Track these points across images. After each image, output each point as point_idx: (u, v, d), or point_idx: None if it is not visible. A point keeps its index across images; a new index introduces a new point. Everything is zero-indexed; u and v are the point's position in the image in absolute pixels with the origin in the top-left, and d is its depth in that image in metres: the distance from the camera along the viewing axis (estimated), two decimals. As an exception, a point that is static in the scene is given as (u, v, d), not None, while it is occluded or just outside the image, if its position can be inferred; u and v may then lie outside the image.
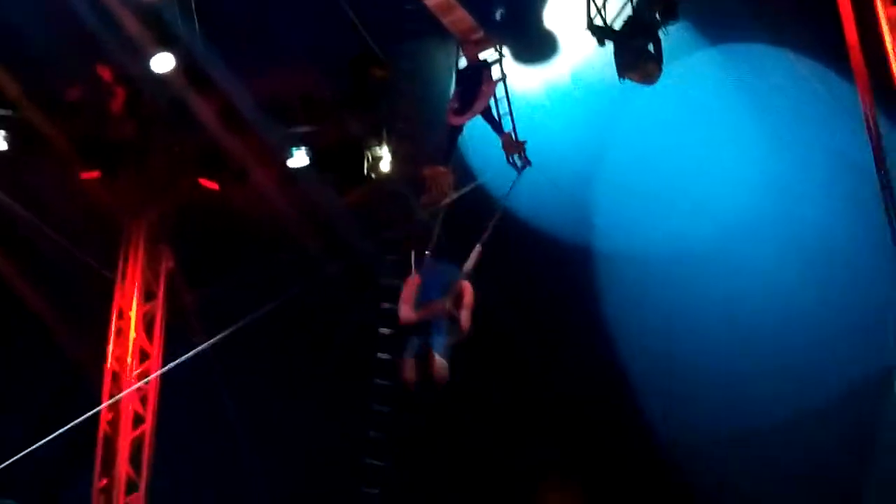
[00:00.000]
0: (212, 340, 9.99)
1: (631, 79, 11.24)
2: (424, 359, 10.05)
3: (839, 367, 13.41)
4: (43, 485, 14.50)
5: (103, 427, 13.94)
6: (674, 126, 13.30)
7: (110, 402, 13.49)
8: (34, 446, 8.90)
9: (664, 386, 13.71)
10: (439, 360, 9.98)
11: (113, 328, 14.42)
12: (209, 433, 14.63)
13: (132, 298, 14.50)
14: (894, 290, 11.93)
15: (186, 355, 9.85)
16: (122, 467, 13.81)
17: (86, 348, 14.62)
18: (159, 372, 13.59)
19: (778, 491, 13.52)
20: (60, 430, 9.03)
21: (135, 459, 13.94)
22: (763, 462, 13.61)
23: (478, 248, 10.99)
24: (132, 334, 14.34)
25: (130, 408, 14.03)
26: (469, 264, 10.85)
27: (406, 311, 10.53)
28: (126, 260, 14.67)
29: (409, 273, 10.95)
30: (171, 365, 10.63)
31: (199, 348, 9.94)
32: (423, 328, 10.30)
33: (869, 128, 9.68)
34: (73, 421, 11.09)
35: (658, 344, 13.54)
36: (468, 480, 14.62)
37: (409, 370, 10.17)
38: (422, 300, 10.53)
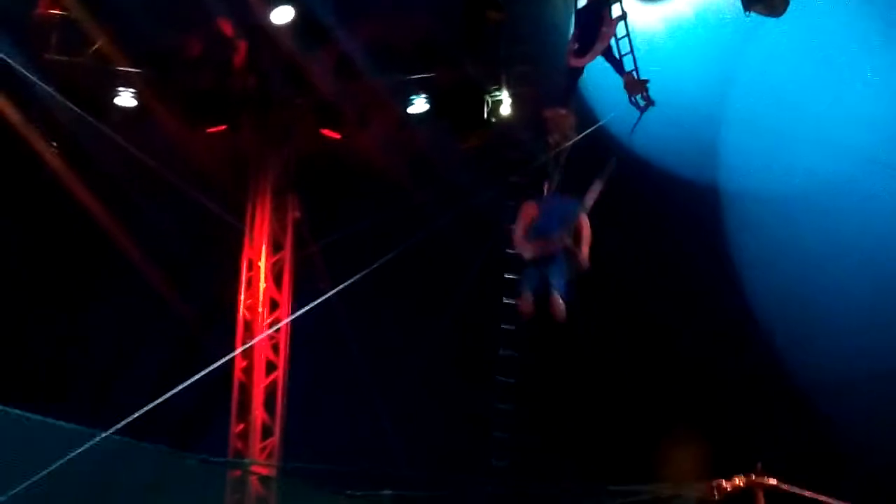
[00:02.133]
0: (340, 286, 10.12)
1: (757, 12, 10.95)
2: (543, 295, 9.91)
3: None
4: (184, 431, 14.98)
5: (238, 374, 14.31)
6: (802, 60, 12.93)
7: (244, 347, 13.78)
8: (174, 390, 9.17)
9: (797, 328, 13.48)
10: (557, 300, 9.86)
11: (244, 278, 14.73)
12: (338, 379, 14.93)
13: (261, 249, 14.79)
14: None
15: (316, 301, 10.00)
16: (258, 413, 14.17)
17: (219, 299, 15.02)
18: (290, 318, 13.85)
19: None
20: (199, 375, 9.27)
21: (269, 405, 14.30)
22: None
23: (598, 182, 10.73)
24: (262, 284, 14.64)
25: (263, 355, 14.37)
26: (589, 199, 10.59)
27: (519, 241, 10.40)
28: (254, 211, 14.93)
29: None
30: (301, 312, 10.80)
31: (328, 294, 10.07)
32: (541, 261, 10.16)
33: None
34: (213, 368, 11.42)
35: (789, 284, 13.31)
36: (593, 428, 14.64)
37: (527, 304, 10.12)
38: (540, 233, 10.36)
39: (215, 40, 14.29)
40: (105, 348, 15.94)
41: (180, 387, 9.14)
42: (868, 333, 13.15)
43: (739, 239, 13.61)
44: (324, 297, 11.27)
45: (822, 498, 10.54)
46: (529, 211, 10.60)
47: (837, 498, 10.89)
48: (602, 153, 11.72)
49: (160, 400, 9.29)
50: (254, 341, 13.83)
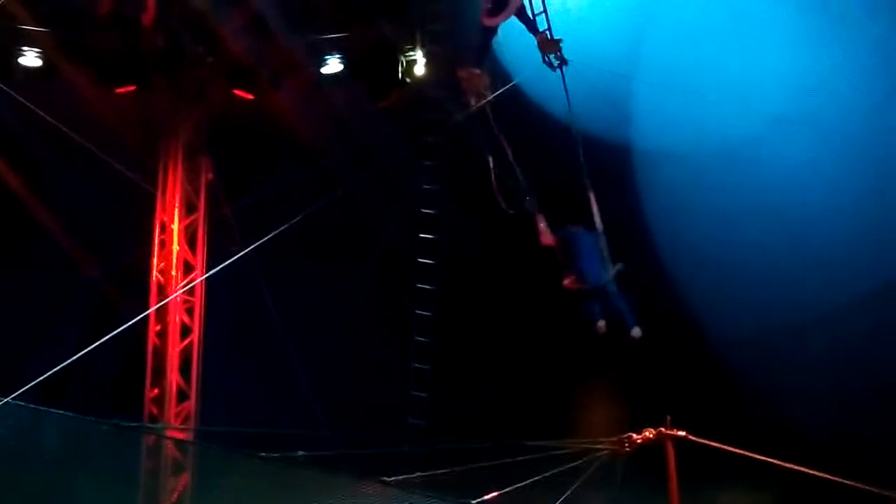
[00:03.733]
0: (253, 246, 10.06)
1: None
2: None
3: (880, 258, 13.35)
4: (99, 398, 14.80)
5: (152, 339, 14.13)
6: (714, 18, 13.06)
7: (155, 308, 13.59)
8: (81, 353, 9.05)
9: (707, 282, 13.69)
10: (636, 332, 11.26)
11: (156, 241, 14.51)
12: (254, 341, 14.85)
13: (174, 211, 14.57)
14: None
15: (229, 261, 9.94)
16: (173, 377, 14.03)
17: (133, 263, 14.80)
18: (203, 277, 13.71)
19: (822, 382, 13.58)
20: (107, 337, 9.16)
21: (184, 369, 14.17)
22: (807, 354, 13.65)
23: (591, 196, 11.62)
24: (175, 247, 14.43)
25: (177, 319, 14.20)
26: (598, 221, 11.63)
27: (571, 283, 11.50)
28: (166, 173, 14.69)
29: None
30: (216, 270, 10.74)
31: (243, 252, 10.03)
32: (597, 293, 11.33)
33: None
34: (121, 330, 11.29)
35: (699, 240, 13.50)
36: (510, 381, 14.78)
37: (604, 329, 11.37)
38: (583, 269, 11.40)
39: (125, -1, 13.95)
40: (17, 315, 15.64)
41: (88, 349, 9.02)
42: (777, 288, 13.43)
43: (651, 196, 13.76)
44: (237, 257, 11.22)
45: (730, 448, 10.77)
46: (559, 247, 11.69)
47: (745, 449, 11.12)
48: (517, 113, 11.79)
49: (66, 363, 9.17)
50: (166, 301, 13.64)
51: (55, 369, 8.99)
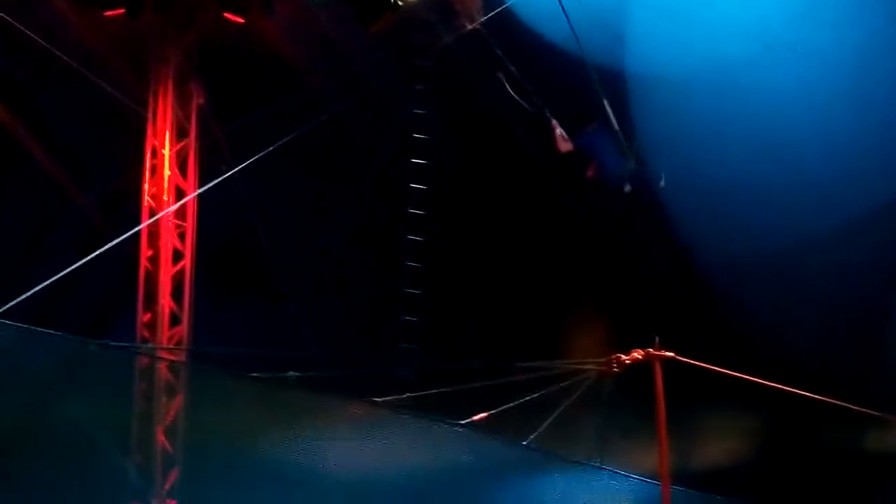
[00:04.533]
0: (244, 164, 10.03)
1: None
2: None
3: (872, 186, 13.33)
4: (92, 318, 14.85)
5: (144, 263, 14.12)
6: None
7: (142, 226, 13.55)
8: (72, 267, 9.06)
9: (698, 207, 13.69)
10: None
11: (147, 166, 14.46)
12: (245, 265, 14.87)
13: (164, 136, 14.49)
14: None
15: (218, 179, 9.92)
16: (165, 301, 14.05)
17: (121, 187, 14.75)
18: (192, 195, 13.66)
19: (811, 307, 13.63)
20: (99, 251, 9.17)
21: (176, 294, 14.19)
22: (795, 278, 13.69)
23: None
24: (167, 172, 14.36)
25: (169, 243, 14.19)
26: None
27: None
28: (156, 98, 14.58)
29: None
30: (205, 188, 10.71)
31: (232, 171, 10.00)
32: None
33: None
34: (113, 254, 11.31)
35: (688, 163, 13.45)
36: (501, 304, 14.82)
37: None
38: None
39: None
40: (6, 241, 15.61)
41: (76, 265, 9.02)
42: (767, 212, 13.43)
43: (641, 119, 13.68)
44: (226, 175, 11.18)
45: (718, 369, 10.85)
46: None
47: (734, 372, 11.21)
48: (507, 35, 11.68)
49: (53, 280, 9.16)
50: (154, 219, 13.59)
51: (41, 286, 8.98)
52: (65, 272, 9.12)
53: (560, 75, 13.23)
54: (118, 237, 12.90)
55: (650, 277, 14.35)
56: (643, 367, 10.83)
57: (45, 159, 14.68)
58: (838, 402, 11.28)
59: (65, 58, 13.81)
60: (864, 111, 13.26)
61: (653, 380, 10.73)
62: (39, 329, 10.09)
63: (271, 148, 10.15)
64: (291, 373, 11.10)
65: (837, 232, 13.20)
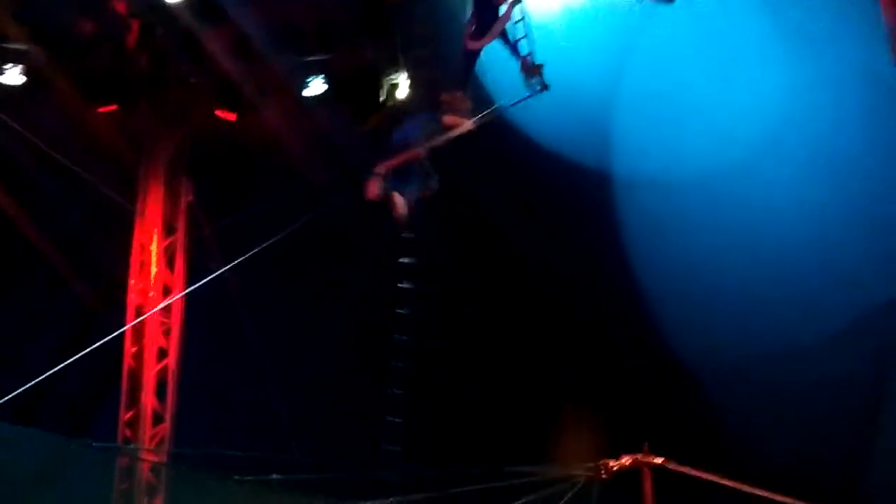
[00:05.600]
0: (232, 263, 10.02)
1: (650, -1, 11.05)
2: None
3: (862, 290, 13.34)
4: (72, 417, 14.68)
5: (128, 361, 14.02)
6: (694, 48, 13.10)
7: (127, 327, 13.49)
8: (58, 367, 8.98)
9: (685, 311, 13.67)
10: (400, 199, 10.63)
11: (135, 262, 14.44)
12: (230, 365, 14.76)
13: (153, 232, 14.50)
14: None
15: (207, 279, 9.89)
16: (148, 400, 13.92)
17: (107, 284, 14.72)
18: (180, 294, 13.63)
19: (799, 414, 13.55)
20: (83, 353, 9.10)
21: (160, 392, 14.05)
22: (783, 385, 13.62)
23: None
24: (153, 268, 14.36)
25: (154, 342, 14.10)
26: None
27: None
28: (146, 194, 14.64)
29: None
30: (193, 288, 10.69)
31: (221, 271, 9.98)
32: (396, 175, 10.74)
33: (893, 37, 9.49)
34: (97, 350, 11.22)
35: (677, 269, 13.49)
36: (487, 406, 14.70)
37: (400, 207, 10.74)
38: (398, 145, 10.86)
39: (108, 19, 13.94)
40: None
41: (58, 367, 8.94)
42: (756, 318, 13.41)
43: (631, 224, 13.76)
44: (214, 275, 11.16)
45: (709, 476, 10.68)
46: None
47: (722, 477, 11.05)
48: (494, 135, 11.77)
49: (37, 381, 9.06)
50: (140, 320, 13.53)
51: (25, 386, 8.89)
52: (49, 372, 9.02)
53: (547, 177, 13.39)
54: (104, 333, 12.86)
55: (641, 382, 14.26)
56: (633, 473, 10.66)
57: (43, 248, 14.72)
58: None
59: (55, 155, 13.91)
60: (855, 210, 13.30)
61: (642, 487, 10.56)
62: (24, 428, 9.97)
63: (259, 248, 10.13)
64: (275, 475, 10.93)
65: (826, 338, 13.17)
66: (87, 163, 14.38)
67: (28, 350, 15.03)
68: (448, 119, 11.34)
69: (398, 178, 10.66)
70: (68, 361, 9.26)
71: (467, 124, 11.49)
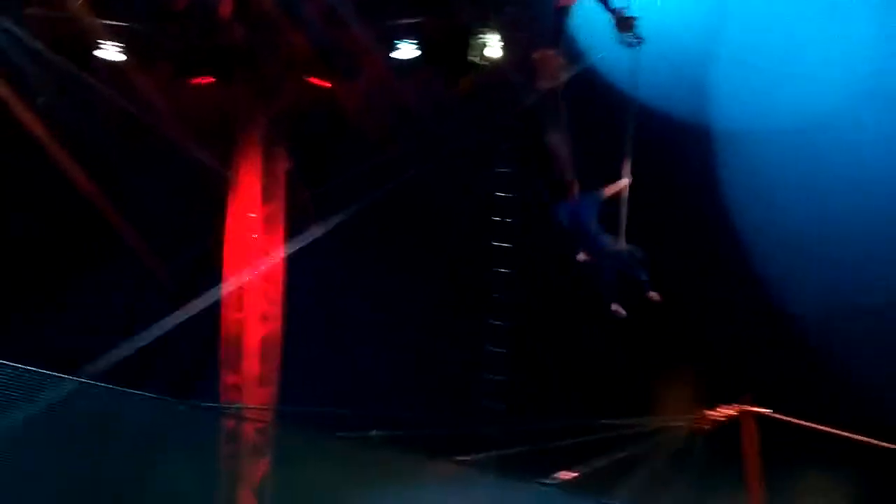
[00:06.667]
0: (330, 225, 10.11)
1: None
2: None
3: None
4: (181, 378, 15.01)
5: (233, 326, 14.26)
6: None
7: (235, 286, 13.67)
8: (157, 333, 9.17)
9: (789, 263, 13.40)
10: (653, 295, 10.86)
11: (231, 231, 14.63)
12: (333, 326, 14.91)
13: (252, 200, 14.69)
14: None
15: (307, 240, 10.00)
16: (252, 364, 14.13)
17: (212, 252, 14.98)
18: (280, 258, 13.78)
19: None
20: (183, 317, 9.27)
21: (264, 356, 14.26)
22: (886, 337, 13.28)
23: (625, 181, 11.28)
24: (255, 236, 14.55)
25: (258, 307, 14.31)
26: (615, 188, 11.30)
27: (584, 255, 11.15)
28: (243, 163, 14.83)
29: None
30: (293, 250, 10.79)
31: (319, 232, 10.07)
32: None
33: None
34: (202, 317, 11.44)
35: (781, 219, 13.22)
36: (584, 365, 14.60)
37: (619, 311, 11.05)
38: (587, 233, 11.05)
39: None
40: (100, 305, 15.91)
41: (161, 331, 9.06)
42: (860, 267, 13.08)
43: (731, 175, 13.52)
44: (312, 238, 11.27)
45: (811, 425, 10.50)
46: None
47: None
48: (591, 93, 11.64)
49: (141, 344, 9.23)
50: (243, 283, 13.70)
51: (131, 349, 9.11)
52: (151, 337, 9.23)
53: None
54: (205, 300, 13.13)
55: (744, 333, 14.02)
56: (736, 423, 10.51)
57: (128, 230, 15.01)
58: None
59: (158, 127, 14.17)
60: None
61: (745, 437, 10.41)
62: (131, 391, 10.20)
63: (357, 208, 10.21)
64: (375, 432, 11.03)
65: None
66: (186, 135, 14.61)
67: (135, 316, 15.36)
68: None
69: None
70: (169, 326, 9.42)
71: None
